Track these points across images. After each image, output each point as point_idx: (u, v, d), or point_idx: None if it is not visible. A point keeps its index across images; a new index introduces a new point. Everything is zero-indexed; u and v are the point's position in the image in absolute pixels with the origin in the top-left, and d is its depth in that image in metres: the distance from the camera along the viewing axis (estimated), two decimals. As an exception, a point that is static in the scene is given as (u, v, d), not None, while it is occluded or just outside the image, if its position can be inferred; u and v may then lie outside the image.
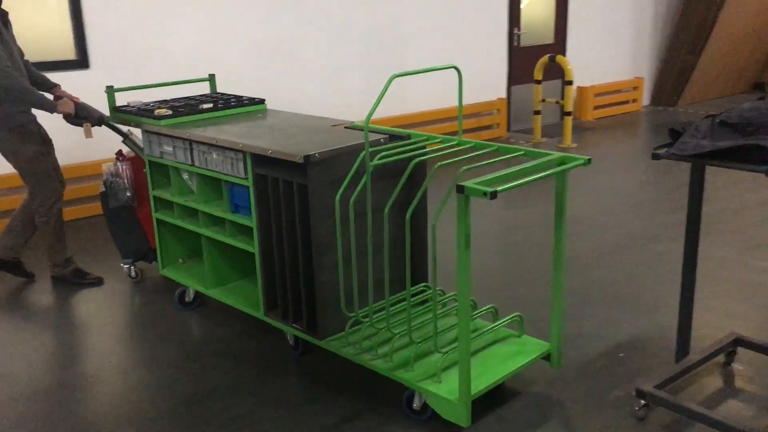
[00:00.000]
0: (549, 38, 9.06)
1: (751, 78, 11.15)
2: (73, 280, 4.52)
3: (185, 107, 4.06)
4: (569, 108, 7.89)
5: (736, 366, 3.34)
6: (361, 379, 3.31)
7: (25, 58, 4.33)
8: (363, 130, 3.52)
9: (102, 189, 4.29)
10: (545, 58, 7.78)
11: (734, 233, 5.05)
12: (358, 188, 3.00)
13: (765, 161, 2.60)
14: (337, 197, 3.05)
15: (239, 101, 4.23)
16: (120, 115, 4.09)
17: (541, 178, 2.69)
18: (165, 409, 3.14)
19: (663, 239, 4.98)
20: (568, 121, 7.93)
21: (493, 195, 2.45)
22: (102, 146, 5.51)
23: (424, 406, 2.94)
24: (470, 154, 3.05)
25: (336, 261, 3.25)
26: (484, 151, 3.09)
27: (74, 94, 4.36)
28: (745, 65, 10.76)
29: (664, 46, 10.31)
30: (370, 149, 3.09)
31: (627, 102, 9.86)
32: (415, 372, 2.97)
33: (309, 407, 3.12)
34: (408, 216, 2.84)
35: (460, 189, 2.51)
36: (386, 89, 2.79)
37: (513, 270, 4.56)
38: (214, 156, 3.56)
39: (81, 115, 4.16)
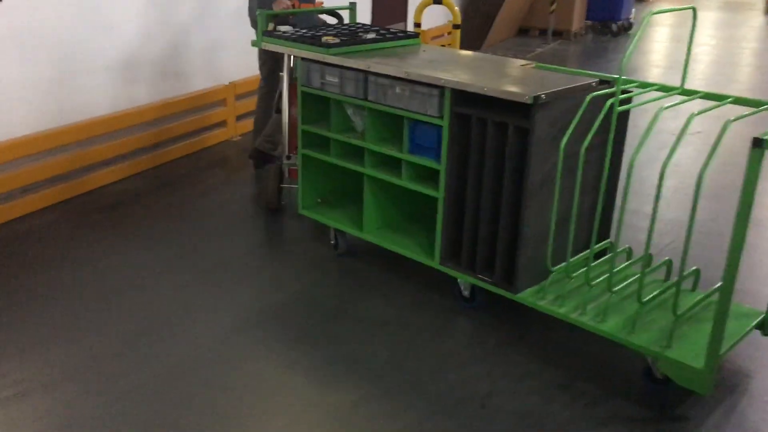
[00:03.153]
0: None
1: (519, 22, 11.33)
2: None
3: (347, 36, 3.75)
4: None
5: None
6: (543, 338, 3.12)
7: None
8: (551, 71, 3.27)
9: None
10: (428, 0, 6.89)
11: None
12: (591, 133, 2.75)
13: None
14: (563, 144, 2.81)
15: (394, 34, 3.92)
16: (274, 41, 3.77)
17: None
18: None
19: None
20: None
21: (803, 151, 2.22)
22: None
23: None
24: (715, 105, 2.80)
25: (542, 211, 3.03)
26: (725, 101, 2.85)
27: None
28: (520, 10, 11.00)
29: None
30: (595, 93, 2.84)
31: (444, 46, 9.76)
32: (639, 336, 2.78)
33: (507, 369, 2.94)
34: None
35: (758, 142, 2.28)
36: (642, 30, 2.51)
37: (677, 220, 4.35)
38: (398, 90, 3.28)
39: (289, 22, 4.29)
